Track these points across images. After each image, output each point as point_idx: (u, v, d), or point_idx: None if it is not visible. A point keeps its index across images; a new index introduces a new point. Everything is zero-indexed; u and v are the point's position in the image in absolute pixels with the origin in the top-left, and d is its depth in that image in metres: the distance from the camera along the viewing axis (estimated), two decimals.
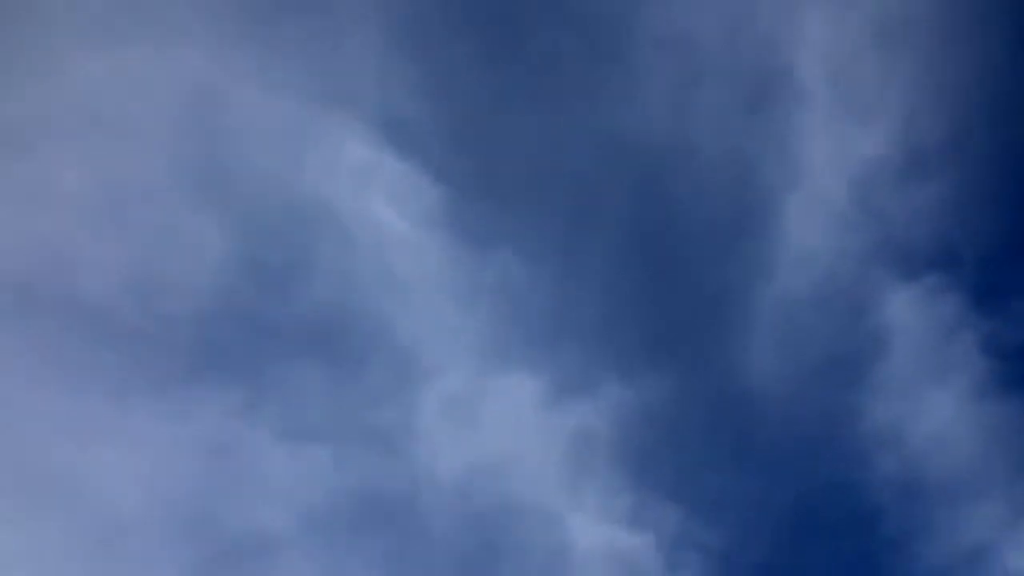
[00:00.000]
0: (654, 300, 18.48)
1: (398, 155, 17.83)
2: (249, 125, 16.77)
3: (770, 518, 17.46)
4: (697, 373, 18.56)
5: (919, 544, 16.95)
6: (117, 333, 16.63)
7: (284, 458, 17.13)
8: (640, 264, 18.71)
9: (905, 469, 17.58)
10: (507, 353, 18.13)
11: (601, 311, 18.75)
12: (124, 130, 16.89)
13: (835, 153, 18.47)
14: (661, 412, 18.13)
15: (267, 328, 17.39)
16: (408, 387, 17.71)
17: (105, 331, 16.57)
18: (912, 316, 18.41)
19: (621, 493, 17.59)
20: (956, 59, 18.23)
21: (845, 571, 16.79)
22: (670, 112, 18.18)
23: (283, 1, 17.30)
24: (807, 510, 17.39)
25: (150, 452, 16.65)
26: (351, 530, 16.89)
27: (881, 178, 18.49)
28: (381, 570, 16.70)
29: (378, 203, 17.64)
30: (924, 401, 18.06)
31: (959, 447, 17.52)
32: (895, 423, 18.00)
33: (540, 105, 18.11)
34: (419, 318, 17.92)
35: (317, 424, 17.35)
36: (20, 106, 16.04)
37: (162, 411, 16.76)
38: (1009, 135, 18.35)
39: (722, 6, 18.14)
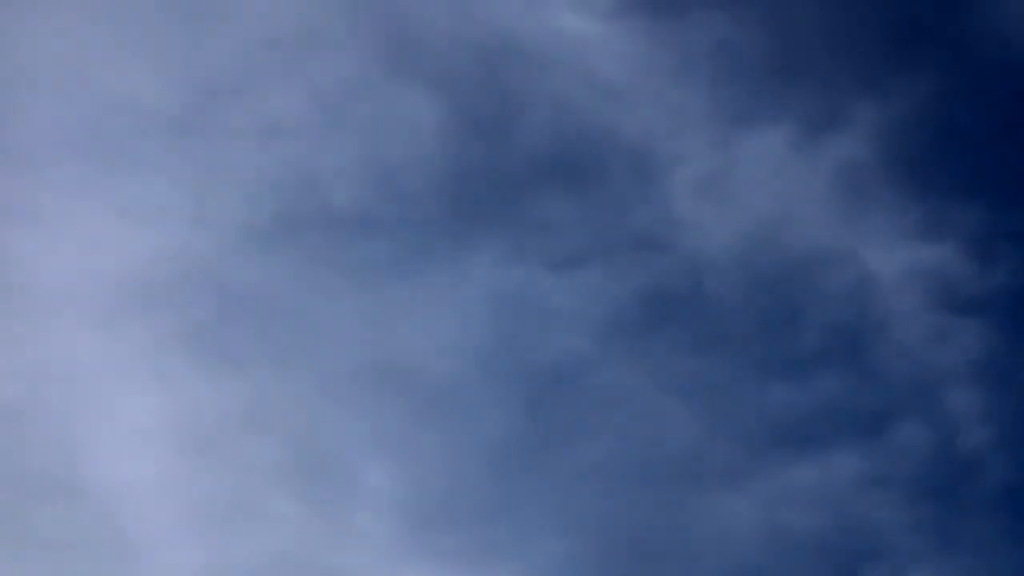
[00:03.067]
0: None
1: None
2: None
3: None
4: (962, 66, 16.83)
5: None
6: (376, 228, 17.67)
7: (562, 288, 17.53)
8: None
9: None
10: (743, 112, 17.38)
11: (829, 38, 17.46)
12: (326, 42, 17.65)
13: None
14: (926, 115, 16.68)
15: (504, 174, 17.76)
16: (654, 182, 17.48)
17: (364, 228, 17.63)
18: None
19: (907, 209, 16.46)
20: None
21: None
22: None
23: None
24: None
25: (445, 321, 17.61)
26: (644, 334, 17.05)
27: None
28: (687, 357, 16.76)
29: (560, 13, 17.37)
30: None
31: None
32: None
33: None
34: (641, 112, 17.57)
35: (581, 248, 17.57)
36: None
37: (444, 283, 17.66)
38: None
39: None
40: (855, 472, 15.21)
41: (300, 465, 15.74)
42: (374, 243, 17.19)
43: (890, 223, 16.35)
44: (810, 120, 17.08)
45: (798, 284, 16.52)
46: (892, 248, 16.27)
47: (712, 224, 17.19)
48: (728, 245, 17.04)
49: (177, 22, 17.45)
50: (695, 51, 17.45)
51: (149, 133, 16.79)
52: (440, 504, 16.28)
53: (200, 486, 15.00)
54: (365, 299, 17.09)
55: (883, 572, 14.70)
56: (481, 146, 17.68)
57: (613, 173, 17.60)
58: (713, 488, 15.69)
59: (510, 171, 17.75)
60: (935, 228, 16.12)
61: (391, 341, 16.97)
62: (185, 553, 14.54)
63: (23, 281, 15.43)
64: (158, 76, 17.09)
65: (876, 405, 15.52)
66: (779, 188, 16.98)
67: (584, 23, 17.47)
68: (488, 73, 17.70)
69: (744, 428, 15.96)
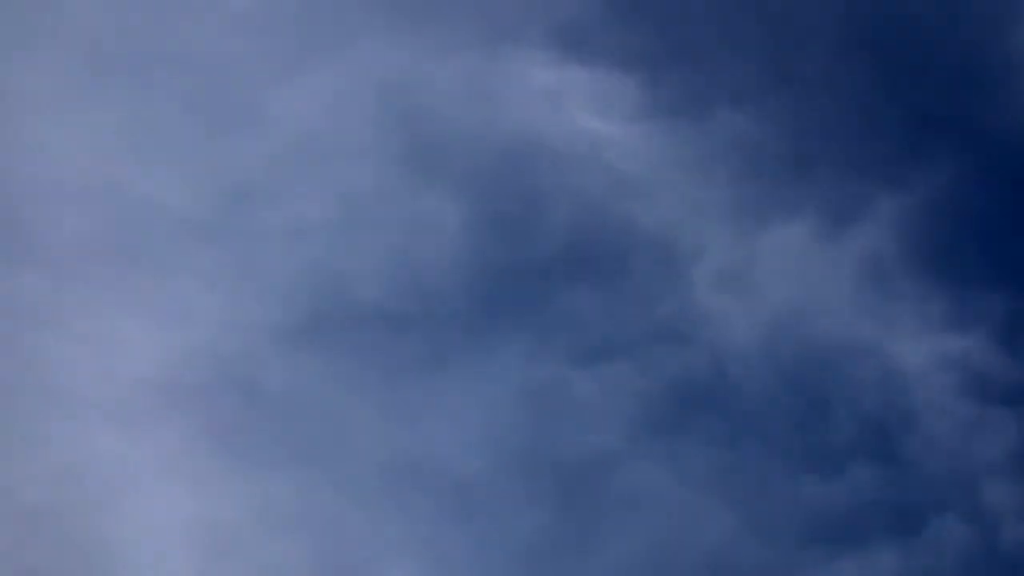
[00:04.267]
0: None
1: (581, 66, 17.84)
2: (438, 89, 17.44)
3: None
4: (979, 152, 17.02)
5: None
6: (403, 326, 17.76)
7: (588, 382, 17.51)
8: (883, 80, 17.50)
9: None
10: (763, 206, 17.55)
11: (847, 130, 17.73)
12: (352, 146, 18.05)
13: None
14: (946, 203, 16.80)
15: (527, 270, 17.92)
16: (676, 276, 17.59)
17: (391, 326, 17.73)
18: None
19: (932, 299, 16.45)
20: None
21: None
22: None
23: None
24: None
25: (472, 416, 17.57)
26: (672, 428, 16.95)
27: None
28: (715, 451, 16.62)
29: (583, 116, 17.74)
30: None
31: None
32: None
33: None
34: (663, 207, 17.78)
35: (605, 341, 17.61)
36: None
37: (470, 378, 17.66)
38: None
39: None
40: (895, 569, 14.91)
41: (324, 566, 15.58)
42: (401, 340, 17.29)
43: (914, 313, 16.35)
44: (831, 211, 17.25)
45: (825, 375, 16.47)
46: (918, 338, 16.23)
47: (736, 316, 17.22)
48: (752, 336, 17.05)
49: (205, 128, 17.91)
50: (715, 147, 17.75)
51: (177, 236, 17.11)
52: None
53: None
54: (392, 395, 17.11)
55: None
56: (505, 243, 17.90)
57: (636, 266, 17.74)
58: None
59: (534, 266, 17.93)
60: (960, 317, 16.11)
61: (418, 437, 16.94)
62: None
63: (50, 383, 15.55)
64: (187, 180, 17.48)
65: (912, 499, 15.31)
66: (802, 279, 17.05)
67: (606, 125, 17.83)
68: (512, 172, 18.02)
69: (777, 523, 15.73)
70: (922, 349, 16.15)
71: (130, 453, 15.22)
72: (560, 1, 18.41)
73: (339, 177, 17.75)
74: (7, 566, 14.42)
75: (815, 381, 16.47)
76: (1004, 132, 16.77)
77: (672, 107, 17.93)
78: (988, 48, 17.24)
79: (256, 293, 16.77)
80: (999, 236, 16.52)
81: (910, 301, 16.43)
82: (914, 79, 17.64)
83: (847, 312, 16.74)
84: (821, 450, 16.02)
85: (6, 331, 15.63)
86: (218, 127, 17.97)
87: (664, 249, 17.68)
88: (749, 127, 17.82)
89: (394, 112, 17.71)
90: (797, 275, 17.11)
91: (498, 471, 17.11)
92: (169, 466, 15.26)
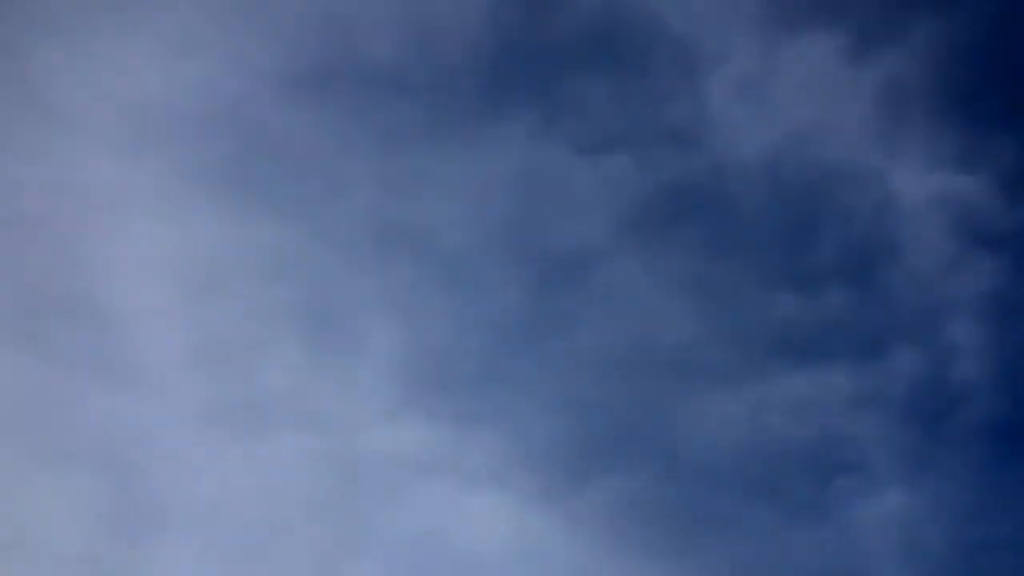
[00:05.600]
0: None
1: None
2: None
3: None
4: None
5: None
6: (409, 90, 17.55)
7: (587, 172, 17.46)
8: None
9: None
10: (795, 15, 16.89)
11: None
12: None
13: None
14: (979, 39, 16.13)
15: (544, 50, 17.50)
16: (694, 78, 17.17)
17: (397, 88, 17.52)
18: None
19: (945, 136, 16.10)
20: None
21: None
22: None
23: None
24: None
25: (466, 191, 17.64)
26: (663, 227, 17.03)
27: None
28: (699, 259, 16.76)
29: None
30: None
31: None
32: None
33: None
34: (691, 5, 17.13)
35: (612, 133, 17.42)
36: None
37: (470, 153, 17.61)
38: None
39: None
40: (847, 390, 15.33)
41: (307, 313, 16.07)
42: (405, 105, 17.12)
43: (924, 147, 16.03)
44: (862, 31, 16.60)
45: (821, 198, 16.37)
46: (921, 173, 16.01)
47: (746, 127, 16.94)
48: (758, 150, 16.83)
49: None
50: None
51: None
52: (439, 368, 16.62)
53: (207, 321, 15.40)
54: (389, 160, 17.12)
55: (855, 486, 14.95)
56: (525, 20, 17.39)
57: (655, 63, 17.29)
58: (705, 388, 15.90)
59: (551, 49, 17.49)
60: (969, 158, 15.82)
61: (410, 204, 17.07)
62: (186, 384, 15.02)
63: (51, 99, 15.56)
64: None
65: (878, 327, 15.54)
66: (819, 98, 16.64)
67: None
68: None
69: (744, 334, 16.06)
70: (922, 184, 15.97)
71: (123, 177, 15.43)
72: None
73: None
74: (7, 277, 14.86)
75: (811, 203, 16.40)
76: None
77: None
78: None
79: (264, 35, 16.49)
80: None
81: (922, 135, 16.08)
82: None
83: (857, 137, 16.43)
84: (802, 270, 16.15)
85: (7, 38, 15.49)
86: None
87: (686, 49, 17.18)
88: None
89: None
90: (815, 93, 16.68)
91: (485, 248, 17.35)
92: (160, 196, 15.49)
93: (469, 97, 17.45)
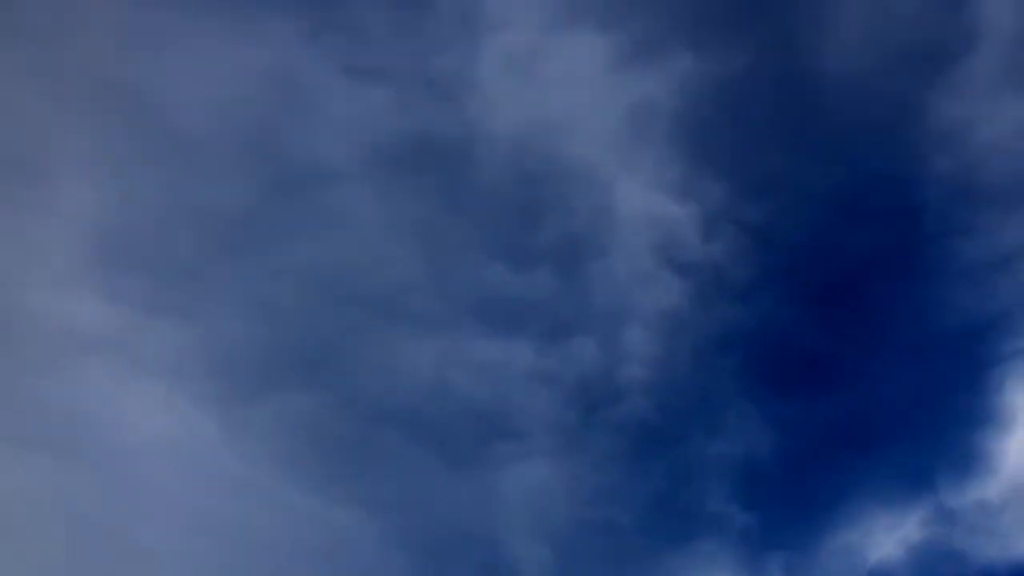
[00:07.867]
0: None
1: None
2: None
3: (815, 202, 17.61)
4: (770, 50, 18.06)
5: (959, 243, 17.03)
6: None
7: (346, 94, 17.52)
8: None
9: (960, 171, 17.35)
10: (577, 11, 17.81)
11: None
12: None
13: None
14: (726, 88, 17.86)
15: None
16: (472, 36, 17.64)
17: None
18: (1009, 15, 17.47)
19: (672, 164, 17.78)
20: None
21: (880, 258, 17.05)
22: None
23: None
24: (854, 197, 17.47)
25: (218, 71, 17.11)
26: (405, 170, 17.53)
27: None
28: (430, 210, 17.50)
29: None
30: (998, 105, 17.51)
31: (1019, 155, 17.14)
32: (963, 125, 17.57)
33: None
34: None
35: (380, 63, 17.55)
36: None
37: (230, 31, 17.00)
38: None
39: None
40: (528, 363, 16.82)
41: None
42: None
43: (653, 170, 17.65)
44: (635, 46, 17.71)
45: (553, 187, 17.59)
46: (644, 191, 17.63)
47: (506, 99, 17.66)
48: (511, 125, 17.63)
49: None
50: None
51: None
52: (135, 246, 16.13)
53: None
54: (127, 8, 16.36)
55: (511, 451, 16.57)
56: None
57: (440, 10, 17.51)
58: (401, 332, 16.76)
59: None
60: (685, 191, 17.62)
61: (141, 67, 16.29)
62: None
63: None
64: None
65: (570, 315, 17.12)
66: (578, 96, 17.71)
67: None
68: None
69: (451, 290, 17.06)
70: (641, 201, 17.61)
71: None
72: None
73: None
74: None
75: (543, 188, 17.57)
76: (802, 50, 17.82)
77: None
78: None
79: None
80: (749, 136, 17.92)
81: (654, 158, 17.67)
82: None
83: (600, 142, 17.73)
84: (518, 247, 17.36)
85: None
86: None
87: (474, 5, 17.61)
88: None
89: None
90: (576, 89, 17.77)
91: (221, 138, 17.03)
92: None
93: None
